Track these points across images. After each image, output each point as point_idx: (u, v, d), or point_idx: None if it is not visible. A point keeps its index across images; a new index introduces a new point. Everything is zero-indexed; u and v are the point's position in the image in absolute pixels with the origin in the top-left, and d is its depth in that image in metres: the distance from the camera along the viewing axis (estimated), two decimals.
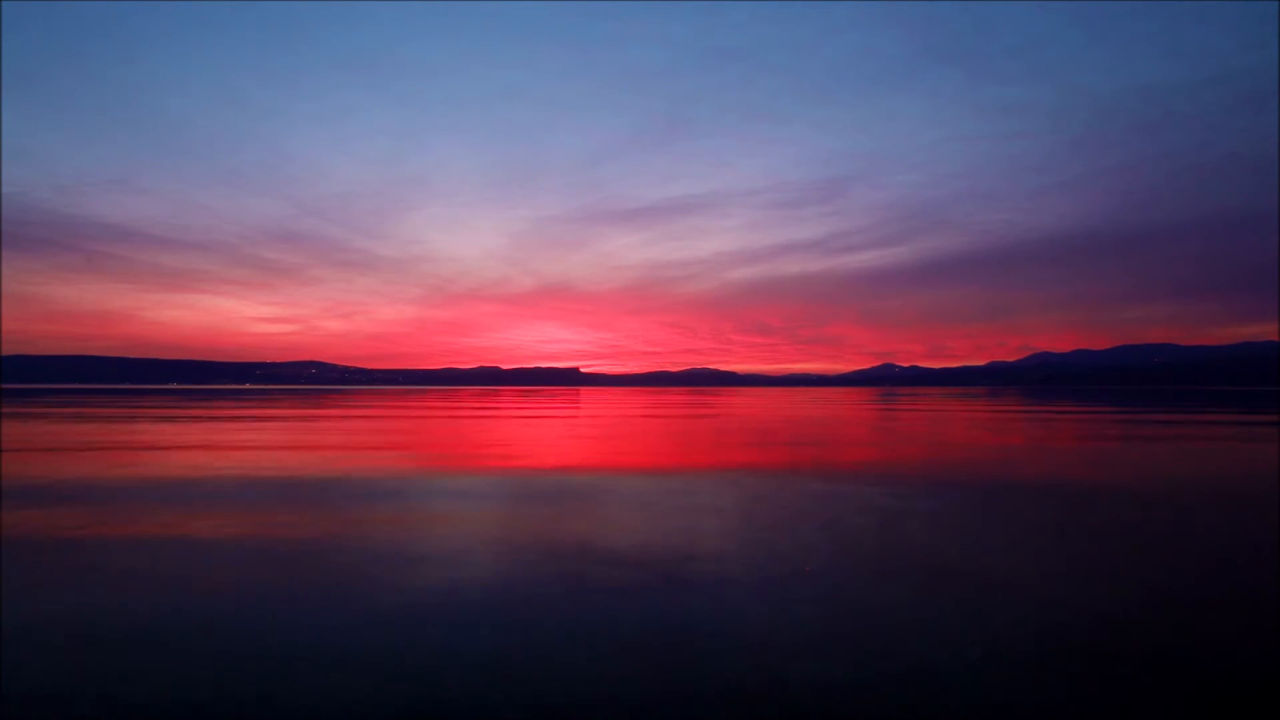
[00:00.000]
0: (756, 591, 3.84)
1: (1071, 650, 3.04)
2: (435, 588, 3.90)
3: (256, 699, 2.57)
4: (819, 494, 7.15)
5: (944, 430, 16.82)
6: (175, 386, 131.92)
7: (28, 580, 4.08)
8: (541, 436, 14.72)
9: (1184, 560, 4.59)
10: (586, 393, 77.74)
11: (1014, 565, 4.43)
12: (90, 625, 3.33)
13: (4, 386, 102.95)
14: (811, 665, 2.87)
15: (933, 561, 4.51)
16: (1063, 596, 3.80)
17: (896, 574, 4.23)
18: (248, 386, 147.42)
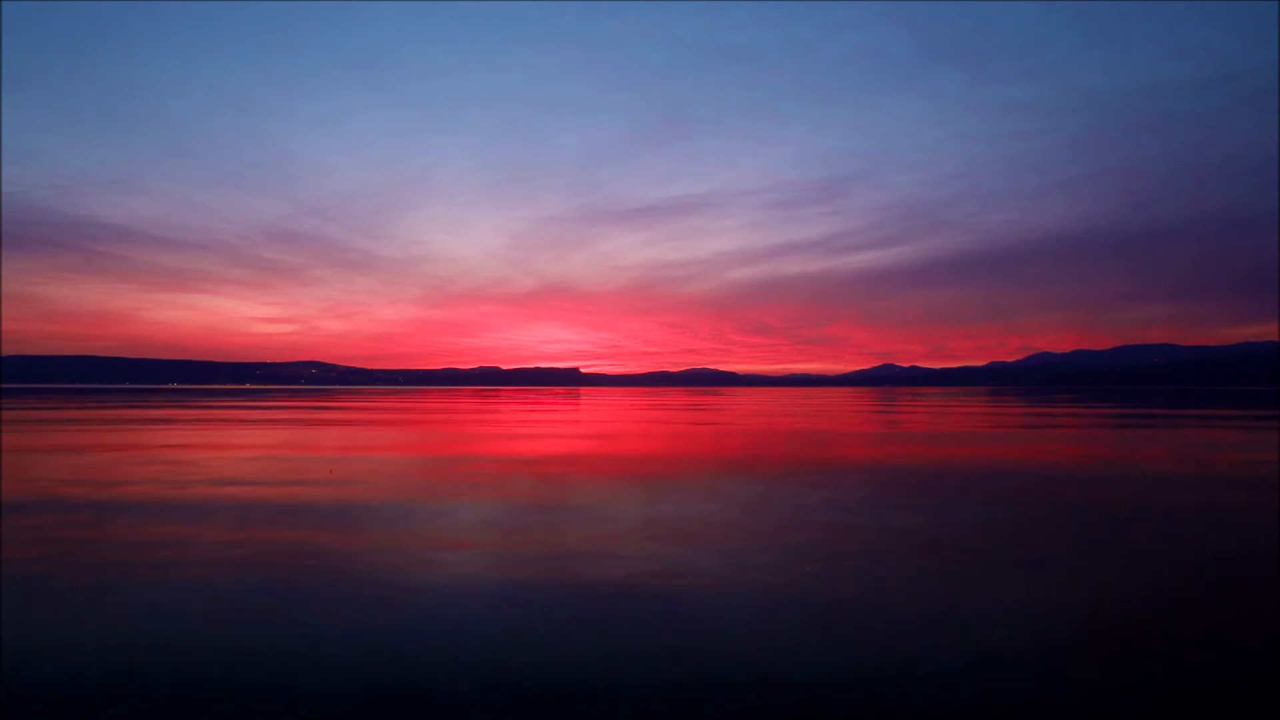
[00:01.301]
0: None
1: (1117, 631, 3.00)
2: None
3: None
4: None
5: (963, 426, 16.78)
6: (175, 387, 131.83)
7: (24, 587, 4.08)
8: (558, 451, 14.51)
9: (1223, 543, 4.63)
10: (587, 393, 77.60)
11: (1055, 549, 4.45)
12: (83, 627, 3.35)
13: (4, 386, 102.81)
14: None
15: (971, 545, 4.54)
16: (1105, 578, 3.79)
17: (939, 553, 4.24)
18: (248, 386, 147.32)
